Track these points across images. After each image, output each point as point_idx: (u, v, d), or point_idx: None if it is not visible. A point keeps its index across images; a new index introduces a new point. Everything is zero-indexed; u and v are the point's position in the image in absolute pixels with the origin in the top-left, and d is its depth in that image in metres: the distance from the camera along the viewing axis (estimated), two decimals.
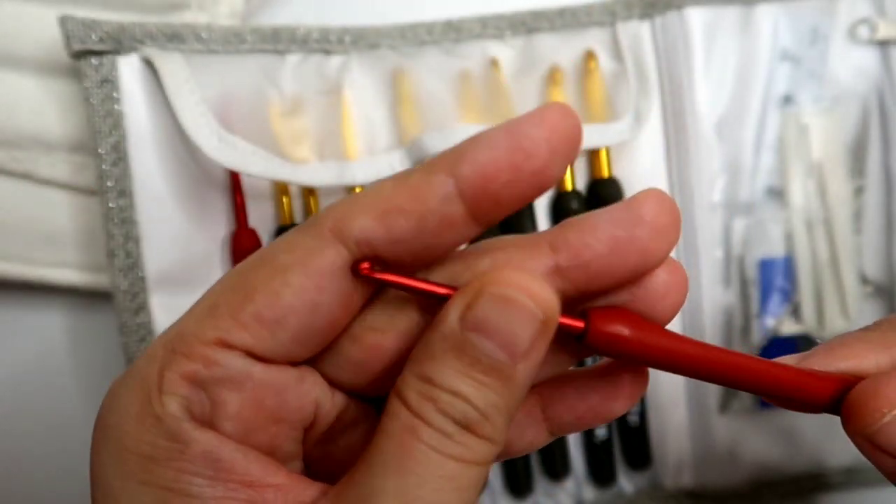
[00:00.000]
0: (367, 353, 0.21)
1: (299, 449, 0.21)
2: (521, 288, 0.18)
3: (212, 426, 0.19)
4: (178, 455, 0.18)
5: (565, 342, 0.21)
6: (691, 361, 0.21)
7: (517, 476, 0.40)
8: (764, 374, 0.22)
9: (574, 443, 0.41)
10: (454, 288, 0.20)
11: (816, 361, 0.24)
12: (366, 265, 0.19)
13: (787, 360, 0.24)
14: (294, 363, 0.20)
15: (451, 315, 0.18)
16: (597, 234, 0.19)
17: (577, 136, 0.19)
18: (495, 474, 0.40)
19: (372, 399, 0.22)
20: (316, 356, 0.21)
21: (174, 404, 0.19)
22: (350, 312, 0.20)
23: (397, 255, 0.19)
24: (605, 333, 0.20)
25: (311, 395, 0.21)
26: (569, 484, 0.41)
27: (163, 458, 0.18)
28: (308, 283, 0.19)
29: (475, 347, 0.18)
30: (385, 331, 0.21)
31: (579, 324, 0.20)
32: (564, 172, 0.19)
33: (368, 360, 0.21)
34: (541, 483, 0.41)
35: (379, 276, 0.19)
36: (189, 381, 0.19)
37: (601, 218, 0.20)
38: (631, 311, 0.21)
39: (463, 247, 0.21)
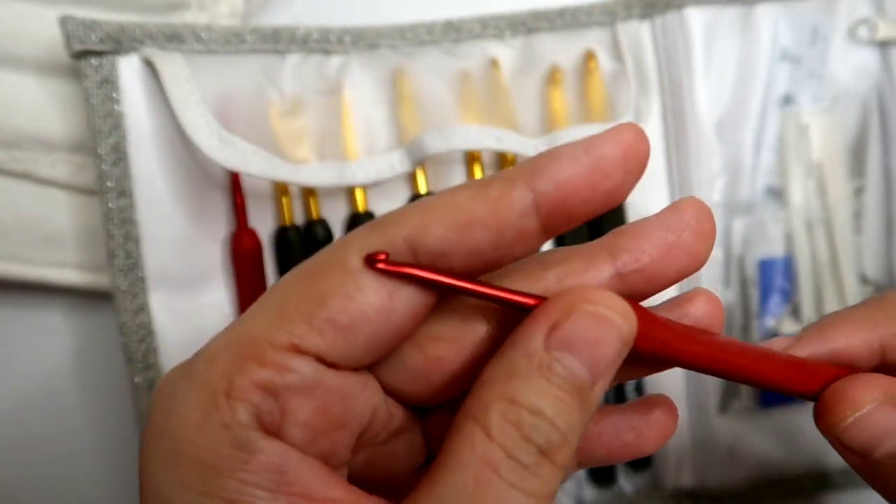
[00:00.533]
0: (430, 362, 0.21)
1: (349, 455, 0.21)
2: (611, 306, 0.19)
3: (278, 434, 0.18)
4: (241, 465, 0.18)
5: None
6: (697, 357, 0.21)
7: None
8: (766, 371, 0.22)
9: None
10: (495, 287, 0.19)
11: (808, 344, 0.24)
12: (382, 256, 0.18)
13: (779, 342, 0.25)
14: (357, 369, 0.20)
15: (537, 333, 0.18)
16: (650, 239, 0.20)
17: (647, 157, 0.20)
18: None
19: (417, 408, 0.22)
20: (377, 363, 0.20)
21: (244, 412, 0.18)
22: (417, 320, 0.20)
23: (471, 267, 0.19)
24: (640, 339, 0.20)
25: (372, 401, 0.20)
26: (569, 484, 0.41)
27: (225, 467, 0.18)
28: (382, 288, 0.19)
29: (563, 366, 0.18)
30: (450, 342, 0.21)
31: None
32: (631, 189, 0.20)
33: (430, 369, 0.21)
34: None
35: (405, 269, 0.19)
36: (262, 389, 0.18)
37: (652, 224, 0.21)
38: (638, 305, 0.21)
39: None
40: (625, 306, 0.19)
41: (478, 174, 0.39)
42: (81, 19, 0.34)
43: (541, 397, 0.18)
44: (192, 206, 0.36)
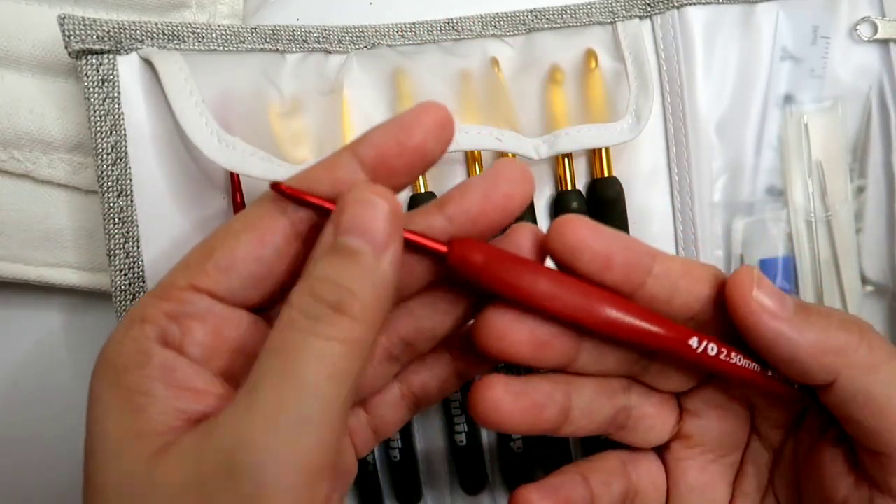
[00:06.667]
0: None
1: None
2: (373, 191, 0.24)
3: (180, 351, 0.24)
4: (144, 364, 0.24)
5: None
6: (545, 297, 0.25)
7: (518, 476, 0.40)
8: (635, 324, 0.26)
9: (574, 443, 0.41)
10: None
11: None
12: (283, 184, 0.25)
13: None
14: (252, 310, 0.26)
15: (328, 227, 0.24)
16: (471, 189, 0.26)
17: (447, 120, 0.25)
18: (496, 474, 0.40)
19: None
20: (268, 307, 0.26)
21: (150, 331, 0.24)
22: (291, 267, 0.25)
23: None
24: (462, 258, 0.25)
25: (265, 334, 0.25)
26: None
27: (132, 367, 0.24)
28: (253, 239, 0.25)
29: (344, 245, 0.23)
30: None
31: (443, 248, 0.25)
32: (442, 149, 0.25)
33: None
34: None
35: (288, 190, 0.25)
36: (166, 315, 0.24)
37: (474, 180, 0.26)
38: (497, 246, 0.26)
39: None
40: (384, 191, 0.24)
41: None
42: (80, 18, 0.34)
43: (328, 268, 0.23)
44: (192, 206, 0.36)
